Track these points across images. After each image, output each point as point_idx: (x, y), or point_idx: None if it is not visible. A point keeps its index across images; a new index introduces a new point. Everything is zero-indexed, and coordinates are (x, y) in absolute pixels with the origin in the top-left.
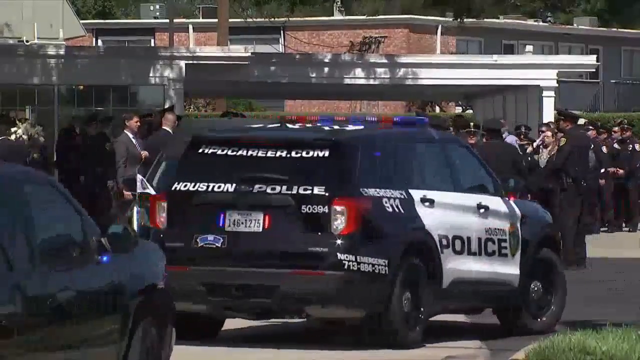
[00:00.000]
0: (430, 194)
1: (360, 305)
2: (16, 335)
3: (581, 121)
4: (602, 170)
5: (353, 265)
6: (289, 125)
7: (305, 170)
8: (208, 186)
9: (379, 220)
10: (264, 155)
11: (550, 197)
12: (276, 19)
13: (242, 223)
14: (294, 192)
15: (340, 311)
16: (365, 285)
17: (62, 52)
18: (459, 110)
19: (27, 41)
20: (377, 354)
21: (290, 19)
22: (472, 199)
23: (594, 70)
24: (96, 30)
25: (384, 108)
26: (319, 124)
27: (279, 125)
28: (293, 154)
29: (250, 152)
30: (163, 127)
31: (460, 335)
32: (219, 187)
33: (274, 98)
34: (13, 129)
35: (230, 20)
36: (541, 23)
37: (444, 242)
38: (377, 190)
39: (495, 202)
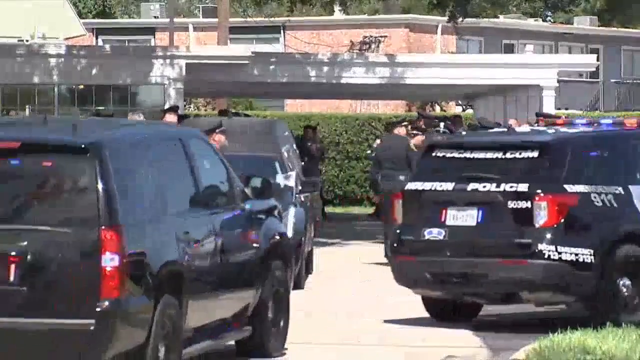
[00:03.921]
0: None
1: (567, 291)
2: (190, 271)
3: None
4: None
5: (553, 255)
6: (516, 129)
7: (515, 169)
8: (433, 185)
9: (584, 213)
10: (483, 156)
11: None
12: (276, 19)
13: (460, 218)
14: (502, 189)
15: (547, 296)
16: (569, 272)
17: (62, 51)
18: (459, 109)
19: (27, 41)
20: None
21: (290, 18)
22: None
23: (594, 69)
24: (96, 30)
25: (384, 107)
26: (561, 128)
27: (507, 129)
28: (508, 155)
29: (473, 155)
30: None
31: (461, 335)
32: (441, 186)
33: (274, 97)
34: None
35: (231, 19)
36: (541, 22)
37: None
38: (586, 186)
39: None
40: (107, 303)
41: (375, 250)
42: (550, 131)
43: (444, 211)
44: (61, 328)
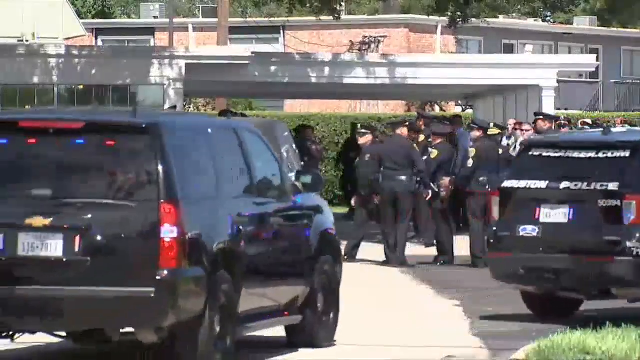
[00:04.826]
0: None
1: None
2: (243, 252)
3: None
4: None
5: None
6: (612, 130)
7: (606, 168)
8: (527, 183)
9: None
10: (576, 156)
11: None
12: (276, 19)
13: (552, 215)
14: (592, 188)
15: (637, 292)
16: None
17: (62, 51)
18: (459, 109)
19: (27, 41)
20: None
21: (290, 18)
22: None
23: (594, 70)
24: (96, 30)
25: (384, 108)
26: None
27: (603, 129)
28: (600, 154)
29: (567, 154)
30: None
31: (461, 335)
32: (535, 184)
33: (274, 98)
34: None
35: (230, 19)
36: (541, 23)
37: None
38: None
39: None
40: (166, 272)
41: (374, 251)
42: None
43: (537, 208)
44: (123, 296)
